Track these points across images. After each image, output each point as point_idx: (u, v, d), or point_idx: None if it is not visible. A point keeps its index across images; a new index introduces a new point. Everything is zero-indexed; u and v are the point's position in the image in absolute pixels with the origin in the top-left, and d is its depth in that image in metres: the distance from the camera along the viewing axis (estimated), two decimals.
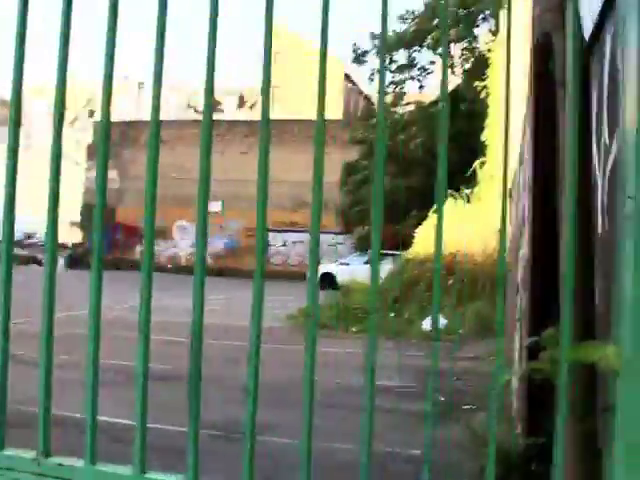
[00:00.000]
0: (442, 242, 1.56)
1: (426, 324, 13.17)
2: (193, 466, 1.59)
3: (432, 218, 17.46)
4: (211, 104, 1.65)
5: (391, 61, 33.36)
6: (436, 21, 31.16)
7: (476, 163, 22.58)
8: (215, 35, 1.64)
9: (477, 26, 32.03)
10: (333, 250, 35.13)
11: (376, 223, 1.53)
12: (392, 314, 14.31)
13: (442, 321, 13.27)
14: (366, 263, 27.18)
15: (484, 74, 28.50)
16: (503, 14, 19.36)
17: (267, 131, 1.60)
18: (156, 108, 1.66)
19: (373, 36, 32.69)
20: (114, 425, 5.26)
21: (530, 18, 11.02)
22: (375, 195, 1.54)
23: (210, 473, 1.69)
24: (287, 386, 6.46)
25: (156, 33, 1.69)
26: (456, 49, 32.75)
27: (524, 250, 5.65)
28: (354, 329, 13.62)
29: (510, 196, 9.02)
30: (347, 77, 51.10)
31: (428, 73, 34.21)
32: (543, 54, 4.36)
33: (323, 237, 37.03)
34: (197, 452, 1.59)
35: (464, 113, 28.02)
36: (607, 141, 1.95)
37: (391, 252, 26.53)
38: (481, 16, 31.24)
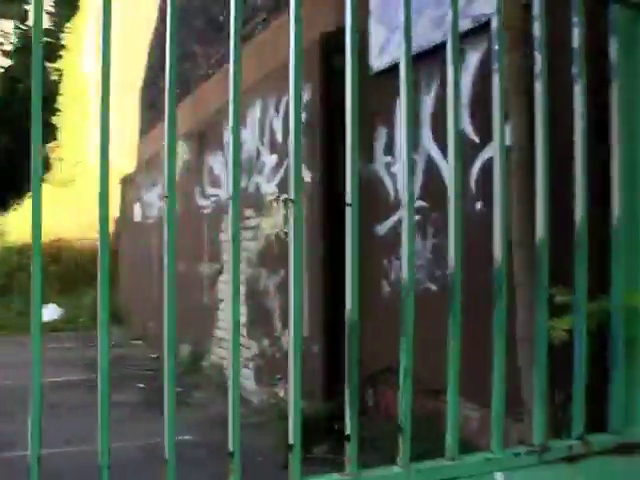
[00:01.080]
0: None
1: (46, 315, 12.56)
2: None
3: (27, 204, 16.55)
4: None
5: None
6: None
7: (48, 147, 21.90)
8: None
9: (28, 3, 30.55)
10: None
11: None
12: None
13: (58, 310, 12.89)
14: None
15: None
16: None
17: None
18: None
19: None
20: None
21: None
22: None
23: None
24: None
25: None
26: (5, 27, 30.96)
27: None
28: None
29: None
30: None
31: None
32: (328, 51, 4.91)
33: None
34: None
35: (23, 95, 26.71)
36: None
37: None
38: None
